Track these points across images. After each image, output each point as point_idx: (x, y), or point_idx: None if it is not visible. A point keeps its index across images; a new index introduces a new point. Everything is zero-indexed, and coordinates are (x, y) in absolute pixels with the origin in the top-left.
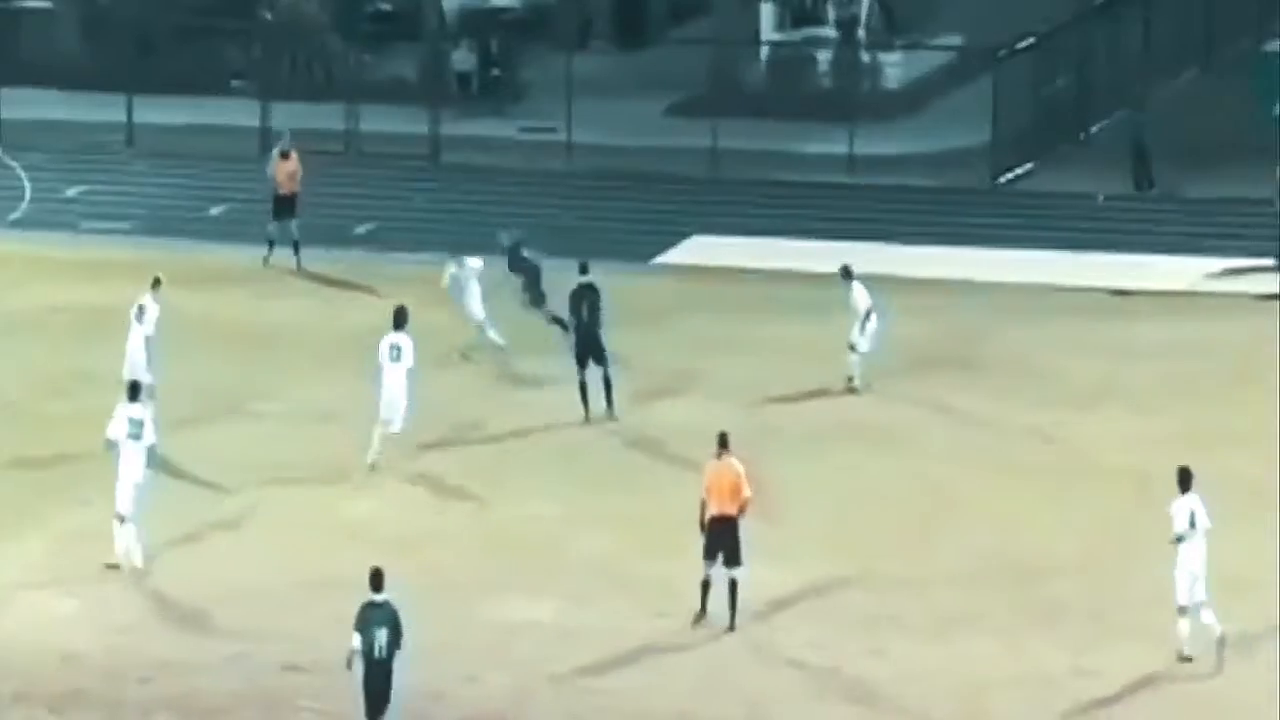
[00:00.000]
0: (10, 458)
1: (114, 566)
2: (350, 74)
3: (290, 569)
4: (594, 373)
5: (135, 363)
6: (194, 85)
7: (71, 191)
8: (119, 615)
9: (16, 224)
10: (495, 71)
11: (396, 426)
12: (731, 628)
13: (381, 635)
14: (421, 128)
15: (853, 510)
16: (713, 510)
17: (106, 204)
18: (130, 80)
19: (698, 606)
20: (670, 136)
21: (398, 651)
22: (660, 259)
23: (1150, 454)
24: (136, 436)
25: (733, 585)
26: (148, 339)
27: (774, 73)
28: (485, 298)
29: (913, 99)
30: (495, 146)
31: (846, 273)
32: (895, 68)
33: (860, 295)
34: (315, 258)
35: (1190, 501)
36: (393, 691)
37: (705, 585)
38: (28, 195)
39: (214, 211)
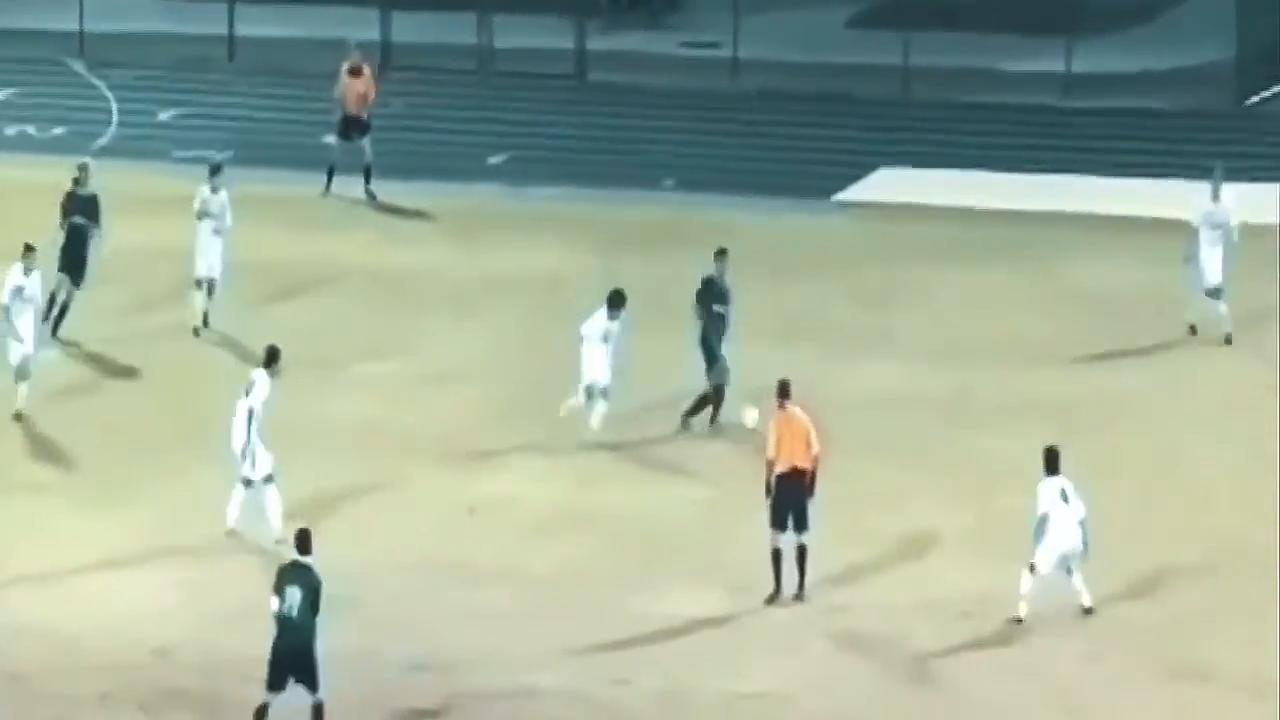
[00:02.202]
0: (101, 424)
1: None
2: None
3: (414, 554)
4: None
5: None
6: None
7: (165, 115)
8: (221, 602)
9: (102, 151)
10: None
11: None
12: (800, 596)
13: (295, 595)
14: (566, 42)
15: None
16: (781, 467)
17: (204, 129)
18: None
19: (773, 584)
20: (853, 52)
21: (317, 628)
22: (842, 195)
23: None
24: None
25: (802, 552)
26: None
27: None
28: None
29: (1142, 6)
30: (650, 64)
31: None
32: None
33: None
34: (444, 193)
35: (1060, 482)
36: (313, 659)
37: (777, 556)
38: (115, 119)
39: (329, 139)
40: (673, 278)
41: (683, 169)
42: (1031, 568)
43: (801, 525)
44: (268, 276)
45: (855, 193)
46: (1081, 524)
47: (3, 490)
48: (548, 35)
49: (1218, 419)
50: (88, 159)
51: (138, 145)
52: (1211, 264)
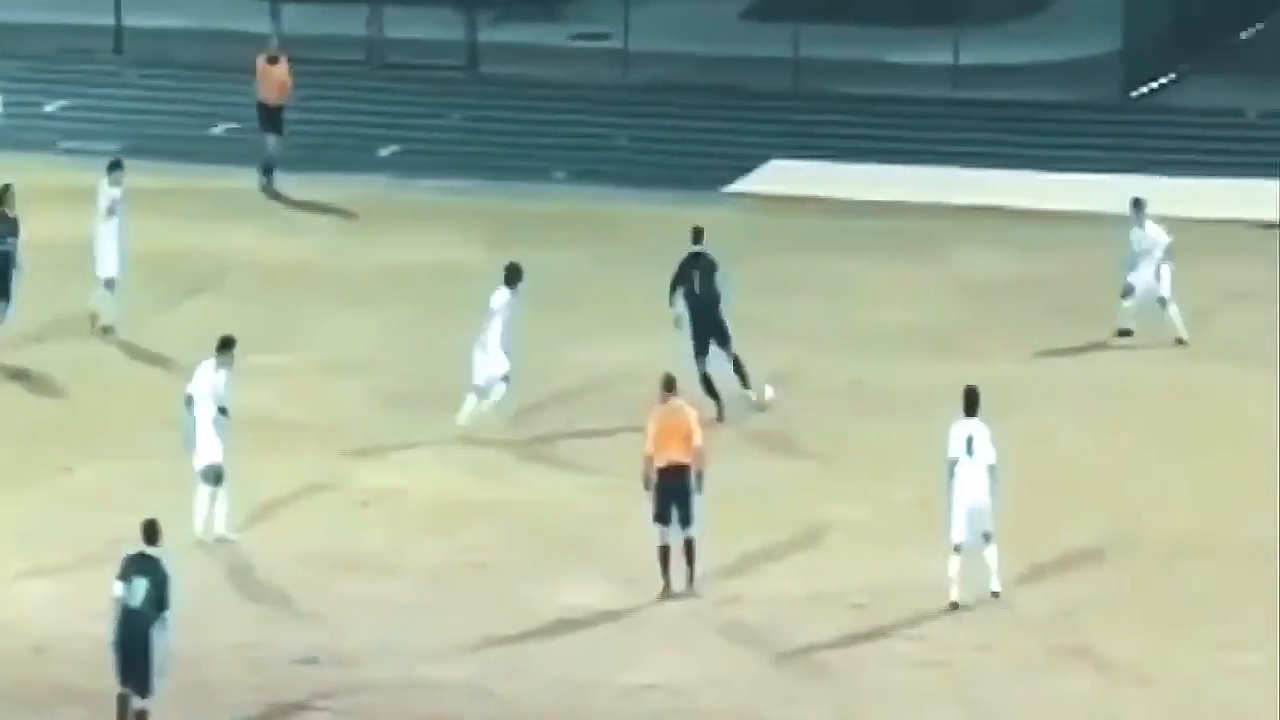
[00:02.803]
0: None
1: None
2: None
3: (306, 546)
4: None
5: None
6: None
7: (51, 106)
8: (102, 600)
9: None
10: None
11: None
12: (691, 590)
13: (140, 586)
14: (457, 34)
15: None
16: (660, 462)
17: (91, 121)
18: None
19: (662, 580)
20: (745, 44)
21: (157, 614)
22: (733, 187)
23: None
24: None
25: (689, 546)
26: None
27: None
28: None
29: None
30: (542, 56)
31: (1138, 205)
32: None
33: (1155, 234)
34: (333, 184)
35: (970, 426)
36: (151, 654)
37: (665, 552)
38: (1, 110)
39: (216, 130)
40: (564, 269)
41: (574, 161)
42: (956, 548)
43: (686, 520)
44: (159, 269)
45: (746, 184)
46: (990, 470)
47: None
48: (438, 27)
49: (1109, 406)
50: (10, 181)
51: (23, 136)
52: (1147, 280)
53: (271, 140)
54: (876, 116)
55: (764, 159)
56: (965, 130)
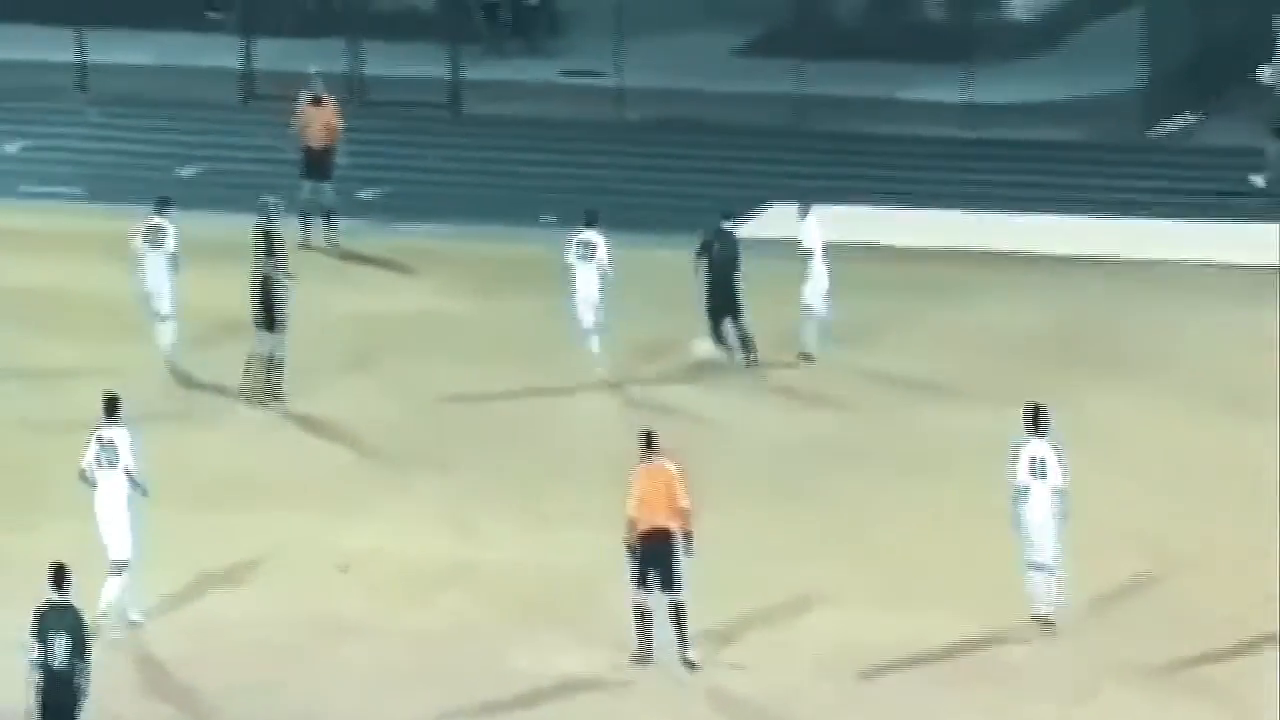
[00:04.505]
0: None
1: (136, 622)
2: (353, 4)
3: (280, 609)
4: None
5: (153, 292)
6: (160, 17)
7: (11, 147)
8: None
9: None
10: (529, 2)
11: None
12: (688, 663)
13: (59, 642)
14: (440, 70)
15: (923, 543)
16: (643, 525)
17: (53, 163)
18: (82, 10)
19: (637, 644)
20: (744, 80)
21: (81, 664)
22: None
23: None
24: (110, 464)
25: (677, 610)
26: (171, 257)
27: (871, 3)
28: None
29: (1045, 33)
30: (529, 93)
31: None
32: None
33: (813, 234)
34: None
35: (1038, 448)
36: (78, 711)
37: (643, 615)
38: None
39: (184, 173)
40: (552, 317)
41: (564, 204)
42: (1036, 567)
43: (669, 585)
44: (121, 319)
45: (745, 229)
46: (1058, 493)
47: None
48: (421, 63)
49: (1115, 455)
50: None
51: None
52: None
53: (325, 188)
54: (883, 157)
55: (763, 202)
56: (977, 172)
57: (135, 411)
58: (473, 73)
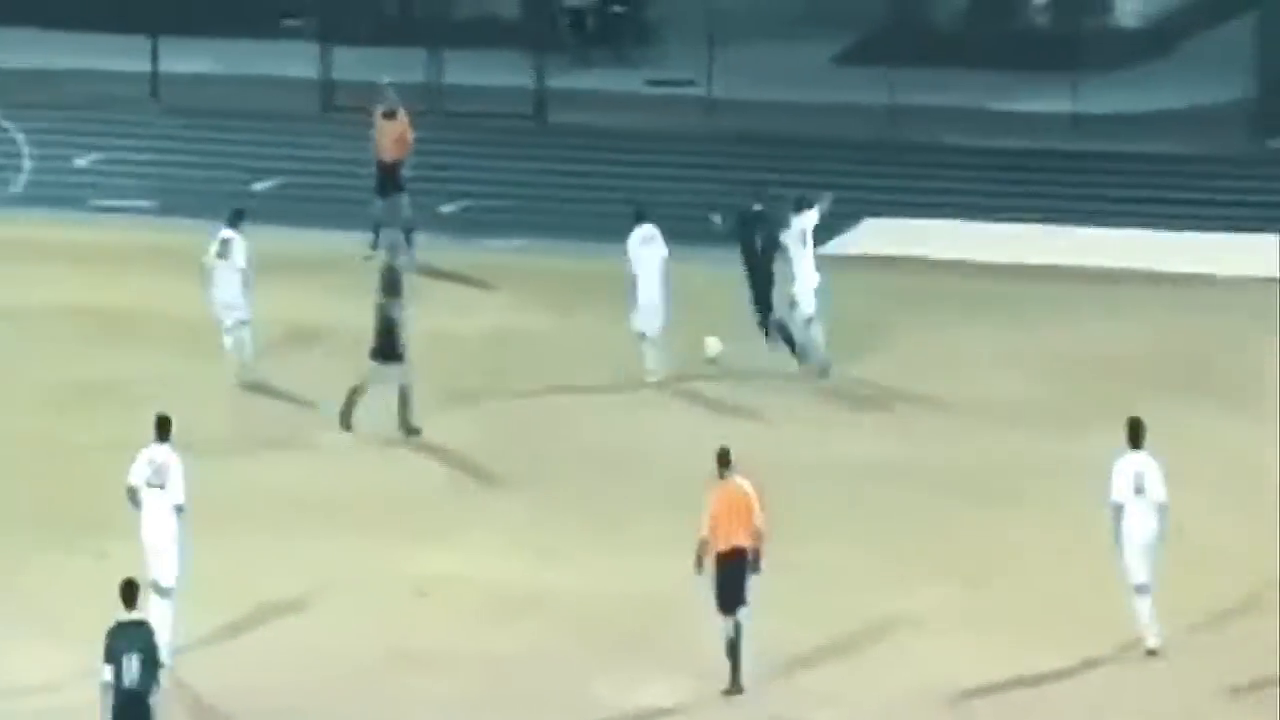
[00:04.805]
0: (9, 495)
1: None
2: (434, 11)
3: (357, 638)
4: None
5: (227, 302)
6: (236, 26)
7: (82, 161)
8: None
9: (13, 201)
10: (616, 8)
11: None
12: (737, 687)
13: (132, 662)
14: (524, 80)
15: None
16: (720, 545)
17: (125, 176)
18: (155, 20)
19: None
20: (838, 90)
21: (155, 683)
22: (823, 248)
23: None
24: (160, 485)
25: (736, 632)
26: (242, 272)
27: (972, 8)
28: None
29: (1154, 41)
30: (617, 104)
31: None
32: (1132, 0)
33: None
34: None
35: (1138, 462)
36: None
37: (734, 645)
38: (27, 165)
39: (259, 186)
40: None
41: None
42: (1138, 589)
43: (735, 603)
44: (195, 337)
45: (838, 244)
46: (1161, 509)
47: None
48: (504, 72)
49: (1218, 483)
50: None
51: (51, 193)
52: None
53: (401, 202)
54: (983, 170)
55: (858, 216)
56: (1082, 185)
57: (207, 432)
58: (557, 82)
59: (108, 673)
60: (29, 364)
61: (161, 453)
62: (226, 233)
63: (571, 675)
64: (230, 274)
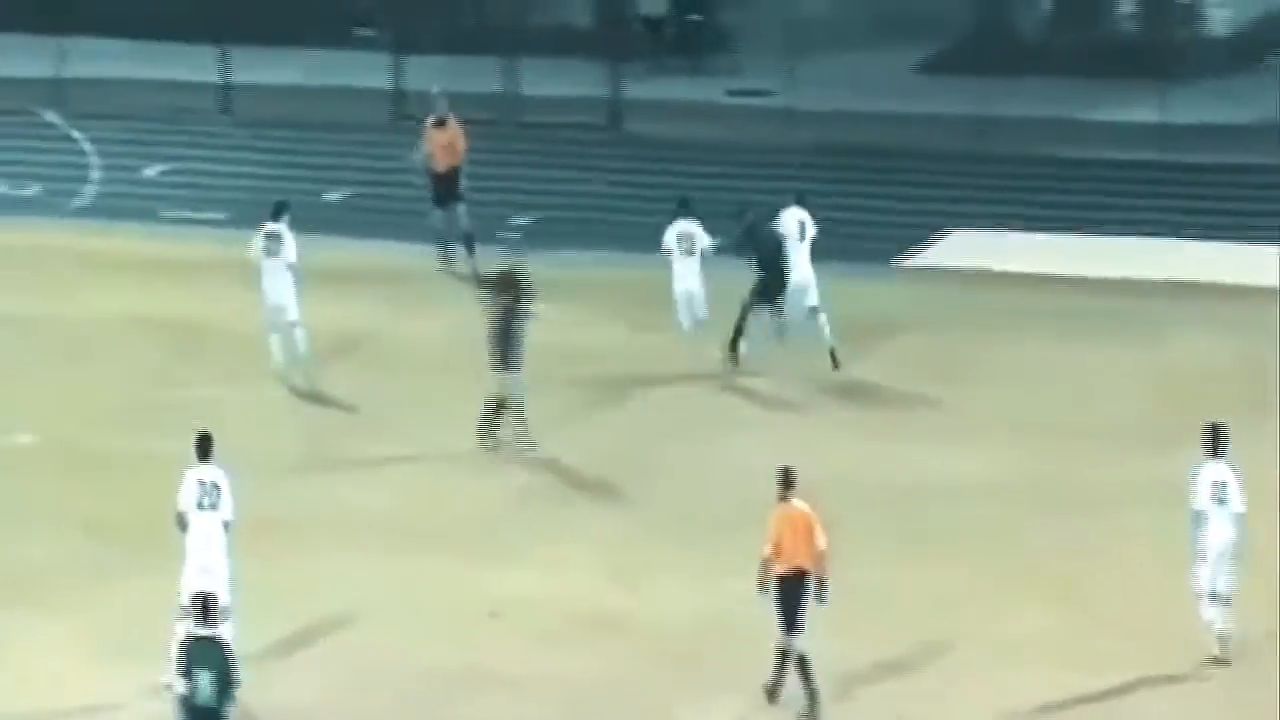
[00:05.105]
0: (79, 511)
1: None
2: (508, 20)
3: (427, 659)
4: None
5: (278, 304)
6: (306, 35)
7: (151, 171)
8: None
9: (82, 212)
10: (694, 16)
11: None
12: (812, 714)
13: (204, 678)
14: (599, 89)
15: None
16: (781, 568)
17: (195, 187)
18: (226, 29)
19: (770, 683)
20: (922, 100)
21: (228, 700)
22: (907, 261)
23: None
24: (213, 506)
25: (803, 663)
26: (293, 268)
27: (1059, 15)
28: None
29: (1245, 50)
30: (694, 113)
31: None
32: (1223, 8)
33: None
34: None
35: (1219, 471)
36: None
37: (785, 657)
38: (96, 176)
39: (331, 197)
40: (717, 350)
41: (728, 231)
42: (1211, 596)
43: (794, 626)
44: (263, 347)
45: (922, 258)
46: (1238, 519)
47: None
48: (579, 82)
49: None
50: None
51: (121, 205)
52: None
53: (459, 211)
54: (1070, 181)
55: (943, 229)
56: (1172, 197)
57: (276, 446)
58: (634, 92)
59: (182, 686)
60: (96, 377)
61: (209, 472)
62: (272, 226)
63: (648, 699)
64: (280, 272)
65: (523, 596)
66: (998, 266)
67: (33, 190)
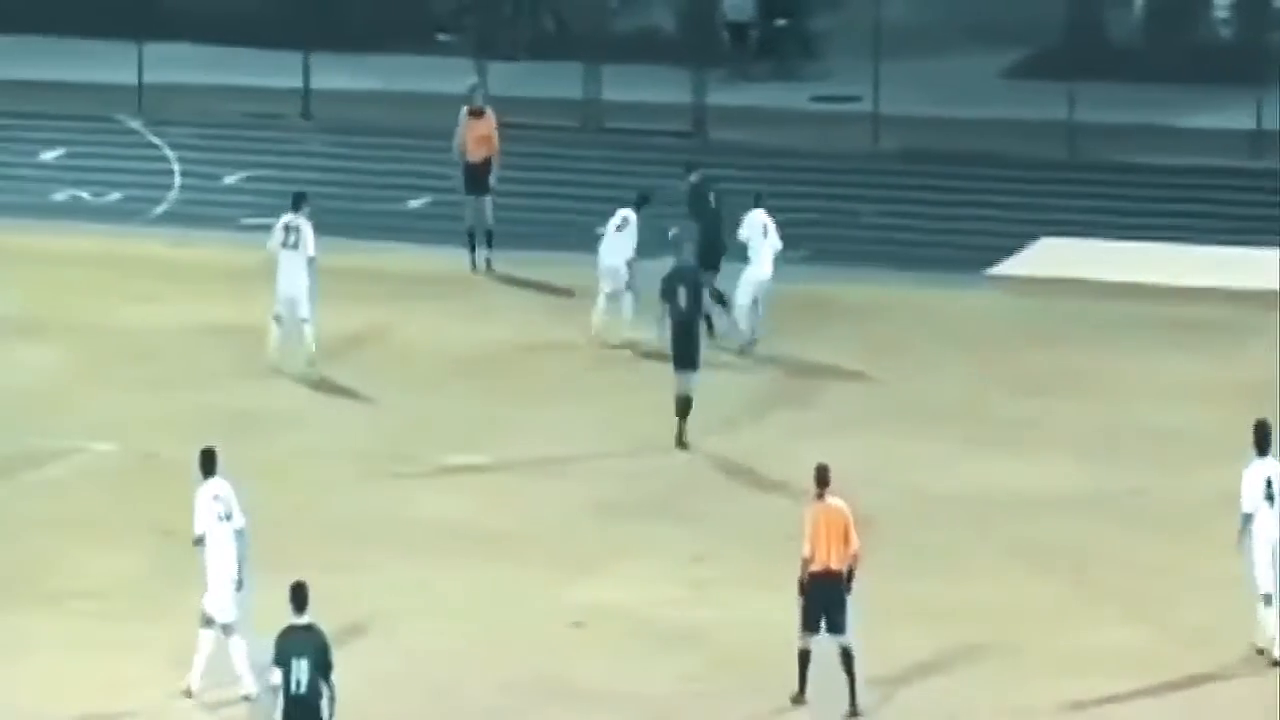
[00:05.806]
0: (156, 519)
1: (188, 694)
2: (591, 25)
3: (511, 671)
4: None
5: (292, 297)
6: (389, 42)
7: (231, 178)
8: None
9: (162, 219)
10: (780, 21)
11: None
12: (855, 712)
13: (302, 668)
14: (683, 95)
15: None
16: (815, 566)
17: (276, 194)
18: (307, 34)
19: (796, 684)
20: (1011, 106)
21: (325, 688)
22: (997, 269)
23: None
24: (228, 517)
25: (847, 655)
26: (310, 261)
27: (1150, 19)
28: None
29: None
30: (780, 120)
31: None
32: None
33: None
34: (542, 262)
35: (1269, 468)
36: None
37: (805, 657)
38: (176, 183)
39: (414, 204)
40: (801, 360)
41: (816, 239)
42: (1266, 599)
43: (838, 628)
44: (343, 357)
45: (1012, 266)
46: None
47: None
48: (663, 88)
49: None
50: None
51: (200, 211)
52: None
53: (485, 204)
54: (1163, 189)
55: (1033, 237)
56: (1268, 205)
57: (349, 454)
58: (717, 98)
59: (277, 676)
60: (174, 385)
61: (219, 486)
62: (291, 218)
63: (724, 714)
64: (298, 265)
65: (605, 607)
66: (1089, 275)
67: (113, 197)
